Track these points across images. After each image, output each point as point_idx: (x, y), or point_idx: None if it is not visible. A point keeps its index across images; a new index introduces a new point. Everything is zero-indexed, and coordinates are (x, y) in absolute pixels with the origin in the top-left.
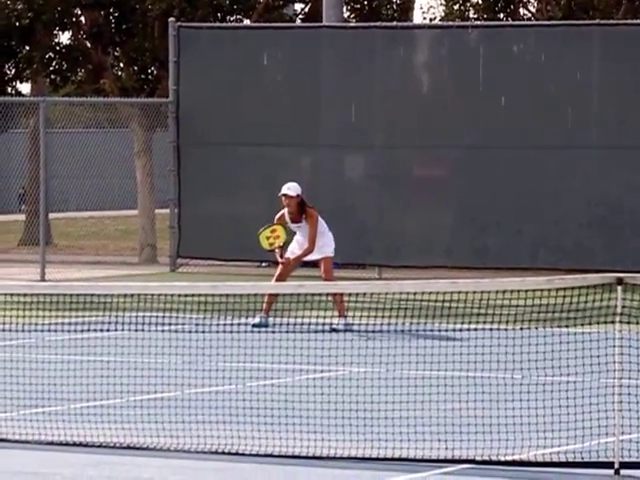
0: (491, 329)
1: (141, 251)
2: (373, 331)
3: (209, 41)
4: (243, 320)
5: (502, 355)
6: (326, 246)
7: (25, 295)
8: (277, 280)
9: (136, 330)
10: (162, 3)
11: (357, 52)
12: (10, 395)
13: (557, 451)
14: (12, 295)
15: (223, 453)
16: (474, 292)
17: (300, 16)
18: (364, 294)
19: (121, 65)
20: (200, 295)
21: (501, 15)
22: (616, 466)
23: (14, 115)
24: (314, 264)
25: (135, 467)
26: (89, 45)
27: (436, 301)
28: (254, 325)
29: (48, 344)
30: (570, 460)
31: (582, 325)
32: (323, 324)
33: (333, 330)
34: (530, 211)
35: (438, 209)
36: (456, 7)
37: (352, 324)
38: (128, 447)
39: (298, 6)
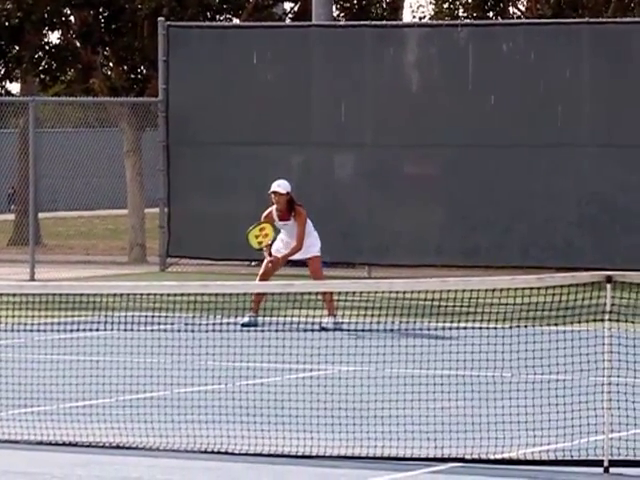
0: (481, 328)
1: (131, 250)
2: (363, 330)
3: (199, 40)
4: (232, 319)
5: (491, 354)
6: (313, 246)
7: (14, 295)
8: (261, 278)
9: (125, 330)
10: (151, 2)
11: (347, 51)
12: None
13: (547, 449)
14: (1, 295)
15: (212, 452)
16: (464, 291)
17: (290, 15)
18: (354, 293)
19: (110, 64)
20: (189, 294)
21: (491, 14)
22: (605, 464)
23: (3, 115)
24: (303, 263)
25: (124, 466)
26: (78, 45)
27: (426, 300)
28: (243, 325)
29: (37, 344)
30: (560, 458)
31: (572, 323)
32: (312, 323)
33: (322, 329)
34: (520, 210)
35: (428, 208)
36: (445, 6)
37: (341, 323)
38: (117, 447)
39: (287, 5)
